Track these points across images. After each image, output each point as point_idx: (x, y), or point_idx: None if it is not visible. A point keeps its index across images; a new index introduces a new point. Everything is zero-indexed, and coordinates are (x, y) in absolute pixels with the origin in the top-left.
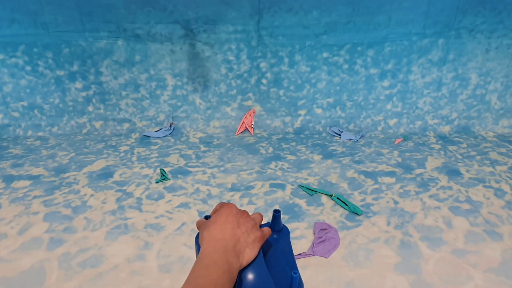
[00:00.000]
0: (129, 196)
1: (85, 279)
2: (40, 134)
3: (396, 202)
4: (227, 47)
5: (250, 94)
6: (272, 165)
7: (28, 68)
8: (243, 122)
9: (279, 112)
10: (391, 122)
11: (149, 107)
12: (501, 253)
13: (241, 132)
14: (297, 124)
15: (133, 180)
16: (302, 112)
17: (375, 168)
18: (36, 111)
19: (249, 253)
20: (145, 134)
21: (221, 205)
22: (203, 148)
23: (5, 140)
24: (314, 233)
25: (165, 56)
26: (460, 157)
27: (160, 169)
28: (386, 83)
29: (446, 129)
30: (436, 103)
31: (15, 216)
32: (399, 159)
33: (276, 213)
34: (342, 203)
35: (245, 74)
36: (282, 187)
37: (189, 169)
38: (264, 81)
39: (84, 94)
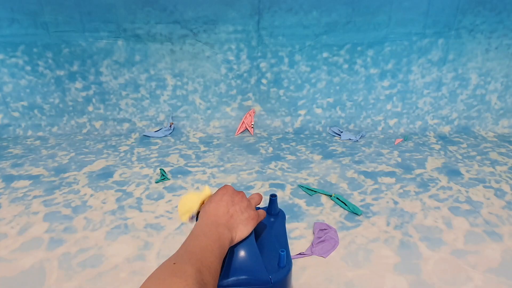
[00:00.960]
0: (129, 196)
1: (85, 279)
2: (40, 134)
3: (395, 202)
4: (227, 47)
5: (250, 94)
6: (272, 165)
7: (28, 68)
8: (243, 122)
9: (279, 112)
10: (391, 122)
11: (149, 107)
12: (501, 254)
13: (241, 132)
14: (297, 124)
15: (133, 180)
16: (302, 112)
17: (375, 168)
18: (36, 111)
19: (243, 229)
20: (145, 134)
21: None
22: (203, 148)
23: (5, 140)
24: (313, 233)
25: (165, 56)
26: (460, 157)
27: (160, 169)
28: (386, 83)
29: (446, 129)
30: (436, 103)
31: (15, 216)
32: (399, 159)
33: (273, 197)
34: (342, 203)
35: (245, 74)
36: (281, 187)
37: (189, 169)
38: (264, 81)
39: (84, 94)
